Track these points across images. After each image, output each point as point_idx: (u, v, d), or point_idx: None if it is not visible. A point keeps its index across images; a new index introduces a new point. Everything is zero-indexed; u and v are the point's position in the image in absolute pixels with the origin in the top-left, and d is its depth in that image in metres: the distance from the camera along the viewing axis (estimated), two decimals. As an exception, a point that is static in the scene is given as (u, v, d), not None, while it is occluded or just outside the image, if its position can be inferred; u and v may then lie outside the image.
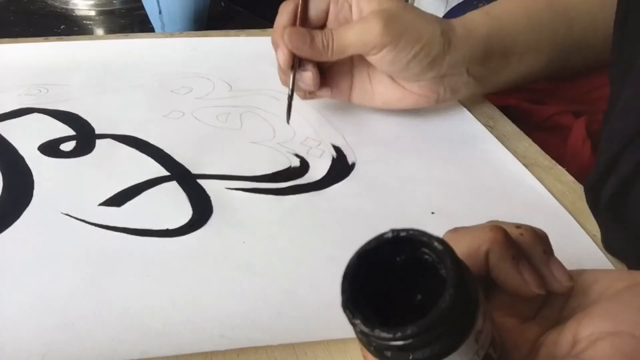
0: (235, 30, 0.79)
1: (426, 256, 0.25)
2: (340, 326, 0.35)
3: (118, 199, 0.46)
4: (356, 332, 0.24)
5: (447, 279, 0.23)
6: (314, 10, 0.54)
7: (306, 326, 0.36)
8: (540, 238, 0.29)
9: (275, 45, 0.54)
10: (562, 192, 0.49)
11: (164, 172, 0.50)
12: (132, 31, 1.01)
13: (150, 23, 0.94)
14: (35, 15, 1.05)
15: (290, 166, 0.52)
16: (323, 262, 0.41)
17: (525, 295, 0.28)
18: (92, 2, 1.07)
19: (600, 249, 0.43)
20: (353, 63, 0.57)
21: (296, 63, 0.53)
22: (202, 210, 0.46)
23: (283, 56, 0.53)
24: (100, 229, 0.43)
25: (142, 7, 0.94)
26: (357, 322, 0.23)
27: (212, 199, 0.47)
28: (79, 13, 1.06)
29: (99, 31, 1.03)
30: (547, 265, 0.29)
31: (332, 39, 0.52)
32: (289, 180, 0.50)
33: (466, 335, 0.24)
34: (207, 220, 0.44)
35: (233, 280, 0.39)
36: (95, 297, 0.38)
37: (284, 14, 0.55)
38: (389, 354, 0.24)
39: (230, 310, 0.37)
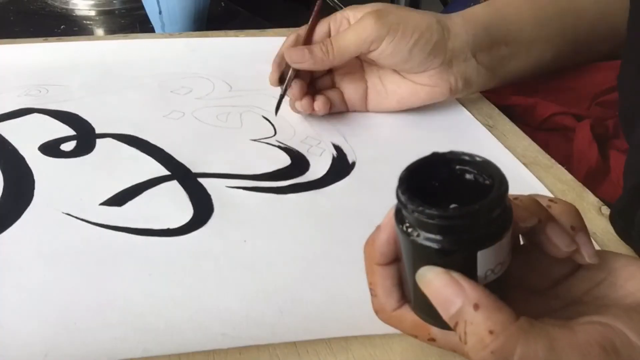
0: (235, 31, 0.79)
1: (467, 175, 0.28)
2: (342, 324, 0.36)
3: (119, 199, 0.46)
4: (418, 220, 0.27)
5: (494, 178, 0.27)
6: (318, 35, 0.57)
7: (308, 324, 0.36)
8: (570, 213, 0.30)
9: (272, 65, 0.58)
10: (562, 190, 0.49)
11: (164, 172, 0.50)
12: (132, 31, 1.01)
13: (150, 23, 0.94)
14: (35, 15, 1.05)
15: (291, 165, 0.52)
16: (324, 260, 0.41)
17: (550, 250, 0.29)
18: (92, 2, 1.07)
19: (600, 246, 0.43)
20: (364, 70, 0.59)
21: (291, 73, 0.56)
22: (203, 209, 0.46)
23: (272, 74, 0.58)
24: (101, 228, 0.43)
25: (142, 7, 0.94)
26: (421, 206, 0.26)
27: (212, 197, 0.47)
28: (79, 13, 1.06)
29: (99, 31, 1.03)
30: (571, 237, 0.29)
31: (331, 44, 0.54)
32: (289, 178, 0.50)
33: (507, 229, 0.27)
34: (208, 219, 0.45)
35: (234, 279, 0.39)
36: (97, 296, 0.38)
37: (288, 41, 0.58)
38: (440, 237, 0.26)
39: (231, 309, 0.37)
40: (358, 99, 0.59)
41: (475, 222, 0.26)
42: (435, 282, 0.27)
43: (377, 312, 0.32)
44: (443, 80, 0.57)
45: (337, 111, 0.59)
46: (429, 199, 0.26)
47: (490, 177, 0.28)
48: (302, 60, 0.54)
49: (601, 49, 0.63)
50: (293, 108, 0.58)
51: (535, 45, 0.60)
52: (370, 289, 0.32)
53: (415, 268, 0.28)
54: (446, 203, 0.27)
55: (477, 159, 0.28)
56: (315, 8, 0.59)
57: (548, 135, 0.59)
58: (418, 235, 0.27)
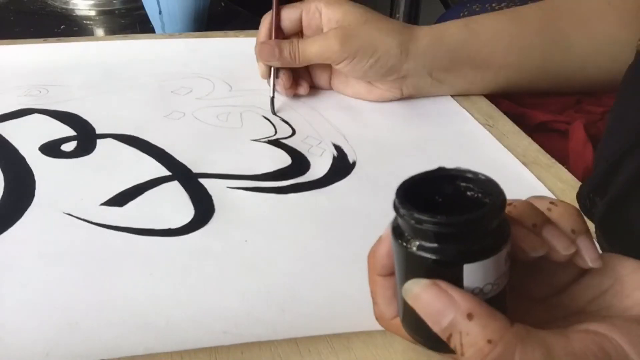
0: (235, 31, 0.79)
1: (468, 192, 0.28)
2: (342, 321, 0.36)
3: (120, 199, 0.47)
4: (411, 227, 0.27)
5: (493, 190, 0.27)
6: (288, 21, 0.61)
7: (309, 322, 0.36)
8: (571, 215, 0.30)
9: (257, 57, 0.62)
10: (562, 190, 0.49)
11: (165, 172, 0.50)
12: (132, 31, 1.01)
13: (150, 23, 0.94)
14: (35, 15, 1.05)
15: (291, 165, 0.52)
16: (325, 259, 0.41)
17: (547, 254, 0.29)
18: (92, 2, 1.07)
19: (599, 246, 0.43)
20: None
21: (274, 70, 0.61)
22: (203, 209, 0.46)
23: (260, 67, 0.62)
24: (102, 228, 0.44)
25: (142, 7, 0.94)
26: (418, 214, 0.26)
27: (213, 198, 0.47)
28: (79, 13, 1.06)
29: (99, 31, 1.03)
30: (572, 241, 0.29)
31: (298, 50, 0.59)
32: (290, 178, 0.50)
33: (505, 243, 0.27)
34: (209, 220, 0.45)
35: (236, 278, 0.39)
36: (99, 296, 0.38)
37: (263, 26, 0.62)
38: (436, 245, 0.26)
39: (233, 307, 0.37)
40: (324, 80, 0.64)
41: (465, 233, 0.26)
42: (423, 295, 0.27)
43: (378, 319, 0.33)
44: (396, 88, 0.61)
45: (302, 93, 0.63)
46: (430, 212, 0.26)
47: (490, 195, 0.27)
48: (271, 59, 0.60)
49: (592, 86, 0.63)
50: (283, 92, 0.62)
51: (506, 71, 0.61)
52: (372, 297, 0.32)
53: (404, 281, 0.28)
54: None
55: (481, 177, 0.28)
56: None
57: (544, 137, 0.59)
58: (409, 244, 0.27)
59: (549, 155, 0.53)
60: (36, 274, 0.39)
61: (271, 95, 0.60)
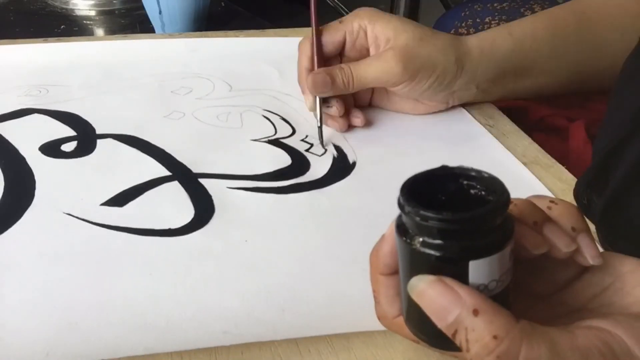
0: (235, 31, 0.79)
1: (472, 190, 0.28)
2: (342, 321, 0.36)
3: (120, 199, 0.47)
4: (416, 224, 0.27)
5: (497, 193, 0.27)
6: (330, 44, 0.57)
7: (309, 322, 0.36)
8: (571, 214, 0.30)
9: (302, 89, 0.58)
10: (562, 189, 0.49)
11: (165, 172, 0.50)
12: (132, 31, 1.01)
13: (150, 23, 0.94)
14: (35, 15, 1.05)
15: (291, 165, 0.52)
16: (325, 259, 0.41)
17: (545, 251, 0.29)
18: (92, 2, 1.07)
19: (601, 245, 0.43)
20: None
21: (319, 99, 0.56)
22: (204, 209, 0.46)
23: (308, 100, 0.57)
24: (102, 228, 0.44)
25: (142, 7, 0.94)
26: (424, 211, 0.26)
27: (213, 198, 0.47)
28: (79, 13, 1.06)
29: (99, 31, 1.04)
30: (573, 238, 0.29)
31: (352, 76, 0.55)
32: (290, 178, 0.50)
33: (509, 240, 0.27)
34: (209, 220, 0.45)
35: (236, 278, 0.39)
36: (99, 296, 0.38)
37: (303, 55, 0.58)
38: (442, 242, 0.26)
39: (233, 307, 0.37)
40: (365, 99, 0.61)
41: (471, 230, 0.26)
42: (428, 291, 0.27)
43: (380, 318, 0.33)
44: (443, 102, 0.60)
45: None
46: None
47: (494, 192, 0.27)
48: (325, 90, 0.55)
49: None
50: (336, 125, 0.57)
51: (544, 77, 0.60)
52: (374, 297, 0.32)
53: (408, 278, 0.28)
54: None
55: (484, 175, 0.28)
56: (313, 9, 0.58)
57: (544, 136, 0.59)
58: (413, 241, 0.27)
59: (549, 155, 0.53)
60: (36, 274, 0.39)
61: (319, 125, 0.55)
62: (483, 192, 0.28)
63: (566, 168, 0.52)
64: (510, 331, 0.25)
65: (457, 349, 0.27)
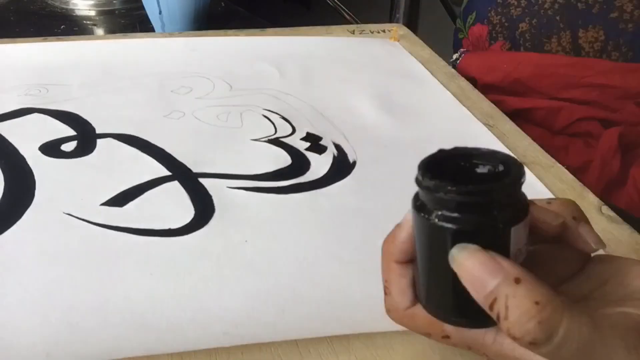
0: (235, 30, 0.79)
1: (478, 168, 0.28)
2: (343, 322, 0.36)
3: (120, 199, 0.46)
4: (436, 197, 0.26)
5: (506, 162, 0.28)
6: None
7: (309, 323, 0.36)
8: (569, 206, 0.31)
9: None
10: (562, 190, 0.49)
11: (165, 172, 0.50)
12: (132, 31, 1.01)
13: (150, 23, 0.94)
14: (35, 15, 1.05)
15: (291, 164, 0.52)
16: (325, 259, 0.41)
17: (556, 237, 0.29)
18: (92, 2, 1.07)
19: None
20: None
21: None
22: (204, 209, 0.46)
23: None
24: (102, 228, 0.43)
25: (142, 7, 0.94)
26: (444, 184, 0.26)
27: (213, 198, 0.47)
28: (79, 13, 1.06)
29: (99, 31, 1.03)
30: (575, 227, 0.30)
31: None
32: (290, 178, 0.50)
33: (526, 213, 0.27)
34: (209, 220, 0.45)
35: (236, 279, 0.39)
36: (99, 296, 0.38)
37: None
38: (460, 215, 0.26)
39: (233, 308, 0.37)
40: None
41: (506, 197, 0.26)
42: (470, 260, 0.26)
43: (388, 311, 0.32)
44: None
45: None
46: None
47: (502, 163, 0.28)
48: None
49: None
50: None
51: None
52: (385, 287, 0.31)
53: (436, 258, 0.27)
54: None
55: (484, 150, 0.28)
56: None
57: (568, 140, 0.58)
58: (441, 219, 0.27)
59: (549, 155, 0.53)
60: (36, 274, 0.39)
61: None
62: (490, 166, 0.28)
63: (588, 174, 0.51)
64: (552, 300, 0.25)
65: (486, 323, 0.27)
